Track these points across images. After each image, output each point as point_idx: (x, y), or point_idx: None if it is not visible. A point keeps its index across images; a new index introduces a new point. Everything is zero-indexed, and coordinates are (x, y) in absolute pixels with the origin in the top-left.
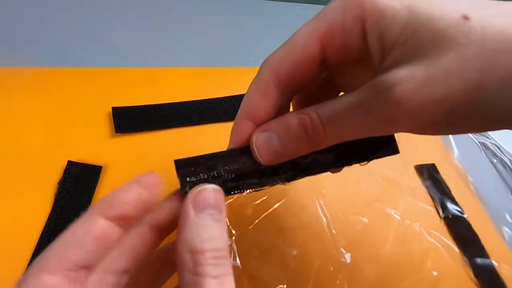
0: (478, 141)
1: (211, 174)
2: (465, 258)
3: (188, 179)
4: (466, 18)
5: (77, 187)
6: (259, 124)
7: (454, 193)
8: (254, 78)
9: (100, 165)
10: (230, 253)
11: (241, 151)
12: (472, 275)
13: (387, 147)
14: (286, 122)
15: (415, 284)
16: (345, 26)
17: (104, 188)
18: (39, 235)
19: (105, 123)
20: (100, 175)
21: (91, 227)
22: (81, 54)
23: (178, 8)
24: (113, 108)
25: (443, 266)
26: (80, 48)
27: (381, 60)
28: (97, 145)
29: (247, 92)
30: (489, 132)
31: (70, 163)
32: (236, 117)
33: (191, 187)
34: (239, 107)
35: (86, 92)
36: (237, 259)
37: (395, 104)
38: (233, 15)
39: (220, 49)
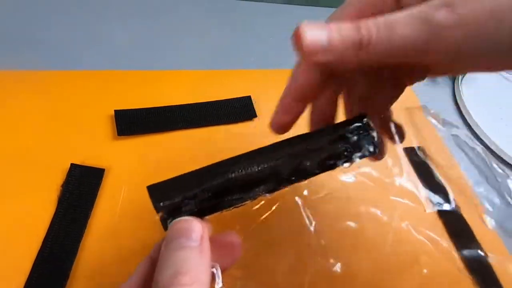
0: (450, 134)
1: (186, 195)
2: (456, 251)
3: (161, 203)
4: None
5: (80, 189)
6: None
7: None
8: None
9: (103, 167)
10: (213, 278)
11: (218, 165)
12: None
13: (370, 145)
14: (340, 23)
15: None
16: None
17: (106, 191)
18: (43, 237)
19: (107, 126)
20: (103, 178)
21: None
22: (83, 57)
23: (179, 11)
24: (115, 111)
25: (436, 264)
26: (82, 50)
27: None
28: (100, 147)
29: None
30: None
31: (73, 165)
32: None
33: (166, 212)
34: (240, 109)
35: (89, 95)
36: (220, 284)
37: (454, 13)
38: (233, 17)
39: (221, 51)
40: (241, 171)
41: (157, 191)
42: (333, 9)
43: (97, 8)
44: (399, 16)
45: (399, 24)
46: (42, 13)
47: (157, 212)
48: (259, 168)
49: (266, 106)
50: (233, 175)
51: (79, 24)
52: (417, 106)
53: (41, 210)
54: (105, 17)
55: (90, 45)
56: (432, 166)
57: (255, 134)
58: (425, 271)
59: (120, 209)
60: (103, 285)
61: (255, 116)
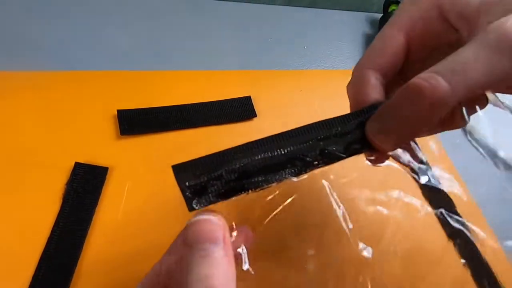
0: None
1: (212, 175)
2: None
3: (187, 183)
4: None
5: (85, 187)
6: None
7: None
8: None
9: (106, 166)
10: (239, 259)
11: (244, 147)
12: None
13: None
14: (393, 97)
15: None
16: (422, 15)
17: (110, 189)
18: (48, 234)
19: (110, 126)
20: (107, 176)
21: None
22: (86, 58)
23: (180, 13)
24: (118, 111)
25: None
26: (84, 51)
27: (469, 29)
28: (103, 147)
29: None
30: None
31: (77, 164)
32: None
33: (192, 192)
34: (240, 108)
35: (92, 95)
36: (247, 265)
37: None
38: (233, 19)
39: (221, 52)
40: (268, 153)
41: (182, 171)
42: (332, 11)
43: (98, 10)
44: (465, 56)
45: (471, 65)
46: (47, 14)
47: (183, 193)
48: (285, 151)
49: (266, 105)
50: (259, 156)
51: (81, 25)
52: None
53: (46, 208)
54: (108, 19)
55: (92, 46)
56: None
57: (255, 133)
58: (462, 261)
59: (123, 206)
60: (108, 281)
61: (255, 115)
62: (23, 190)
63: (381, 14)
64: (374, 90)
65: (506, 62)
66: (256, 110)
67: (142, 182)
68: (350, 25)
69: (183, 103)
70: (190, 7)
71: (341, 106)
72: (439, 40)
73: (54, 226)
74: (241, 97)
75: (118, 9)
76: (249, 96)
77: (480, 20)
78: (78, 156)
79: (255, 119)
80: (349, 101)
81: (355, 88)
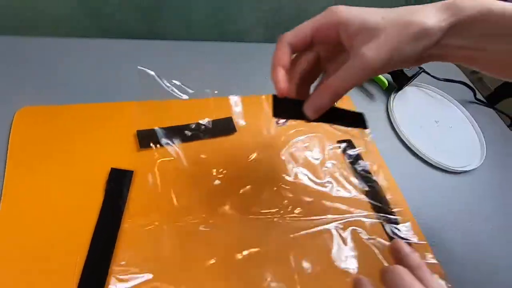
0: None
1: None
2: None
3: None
4: (382, 18)
5: (119, 184)
6: (284, 66)
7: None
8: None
9: (132, 170)
10: None
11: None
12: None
13: (362, 123)
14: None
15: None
16: (328, 24)
17: (136, 185)
18: (97, 218)
19: (133, 142)
20: (133, 177)
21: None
22: (109, 92)
23: (180, 55)
24: (137, 131)
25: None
26: (109, 87)
27: (350, 44)
28: (129, 157)
29: (274, 52)
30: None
31: (112, 169)
32: (272, 65)
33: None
34: (225, 126)
35: (118, 120)
36: None
37: (368, 58)
38: (220, 56)
39: (210, 83)
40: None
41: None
42: None
43: (109, 54)
44: (344, 69)
45: (346, 73)
46: (72, 59)
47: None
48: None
49: (243, 123)
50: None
51: (97, 67)
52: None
53: (93, 199)
54: (125, 61)
55: (120, 83)
56: None
57: (236, 144)
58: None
59: (148, 194)
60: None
61: (235, 131)
62: (78, 186)
63: None
64: (284, 55)
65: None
66: (236, 127)
67: (157, 179)
68: None
69: (184, 124)
70: (186, 50)
71: (302, 124)
72: (336, 44)
73: (101, 210)
74: (225, 117)
75: (125, 52)
76: (230, 117)
77: (353, 44)
78: (113, 163)
79: (236, 133)
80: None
81: (275, 52)
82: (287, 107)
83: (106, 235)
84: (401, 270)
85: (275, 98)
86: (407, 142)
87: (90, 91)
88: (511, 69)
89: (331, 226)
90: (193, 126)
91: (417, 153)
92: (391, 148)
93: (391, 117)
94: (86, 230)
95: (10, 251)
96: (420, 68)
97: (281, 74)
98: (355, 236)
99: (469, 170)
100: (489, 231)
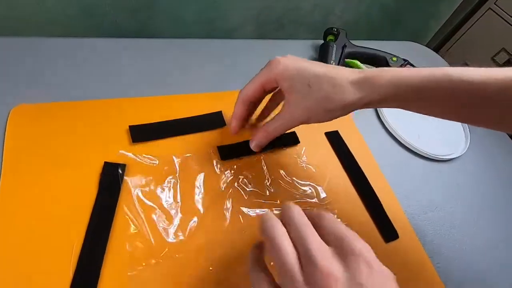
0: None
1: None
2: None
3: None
4: (308, 85)
5: (112, 176)
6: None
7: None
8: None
9: (125, 163)
10: None
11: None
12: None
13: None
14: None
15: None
16: (270, 79)
17: (128, 176)
18: (92, 205)
19: (125, 136)
20: (125, 169)
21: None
22: (102, 89)
23: (174, 53)
24: (130, 126)
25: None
26: (102, 85)
27: (286, 96)
28: (122, 150)
29: (235, 104)
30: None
31: (106, 163)
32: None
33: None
34: (214, 120)
35: (111, 116)
36: None
37: (294, 115)
38: (210, 52)
39: (201, 79)
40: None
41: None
42: (284, 41)
43: (110, 53)
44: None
45: (276, 123)
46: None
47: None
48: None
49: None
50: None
51: (97, 64)
52: None
53: (89, 189)
54: (117, 59)
55: (106, 80)
56: None
57: (225, 136)
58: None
59: (139, 185)
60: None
61: (225, 124)
62: (75, 180)
63: (322, 41)
64: (239, 110)
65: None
66: (225, 120)
67: (147, 170)
68: (299, 52)
69: (174, 118)
70: (180, 49)
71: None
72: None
73: (96, 198)
74: (215, 112)
75: (125, 51)
76: (220, 111)
77: (287, 98)
78: (106, 157)
79: (224, 127)
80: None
81: (234, 106)
82: (233, 150)
83: (101, 224)
84: (273, 219)
85: (221, 147)
86: (393, 133)
87: (84, 89)
88: (445, 116)
89: None
90: (184, 120)
91: (403, 142)
92: (378, 139)
93: (378, 110)
94: (82, 220)
95: (7, 240)
96: (405, 60)
97: (234, 123)
98: None
99: (453, 158)
100: (471, 214)
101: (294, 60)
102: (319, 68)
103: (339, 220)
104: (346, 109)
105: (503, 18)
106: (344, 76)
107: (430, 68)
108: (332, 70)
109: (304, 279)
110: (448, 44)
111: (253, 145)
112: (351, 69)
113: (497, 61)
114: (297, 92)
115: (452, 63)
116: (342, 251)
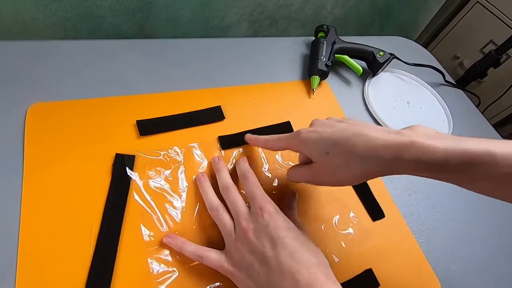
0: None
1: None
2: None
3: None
4: (327, 153)
5: (123, 166)
6: None
7: None
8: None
9: (134, 154)
10: None
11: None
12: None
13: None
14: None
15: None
16: (293, 146)
17: (138, 166)
18: (106, 192)
19: (133, 130)
20: (135, 160)
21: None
22: (107, 88)
23: (174, 54)
24: (137, 121)
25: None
26: (107, 84)
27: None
28: (131, 143)
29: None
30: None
31: (117, 154)
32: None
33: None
34: (214, 113)
35: (119, 112)
36: None
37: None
38: (208, 51)
39: (197, 76)
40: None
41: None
42: (277, 38)
43: (112, 54)
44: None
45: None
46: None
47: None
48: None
49: (230, 111)
50: None
51: (101, 66)
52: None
53: (103, 178)
54: (119, 59)
55: (115, 79)
56: None
57: (224, 128)
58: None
59: (147, 174)
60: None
61: (224, 118)
62: (89, 169)
63: (313, 38)
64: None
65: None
66: (224, 114)
67: (155, 160)
68: (291, 48)
69: (177, 113)
70: (182, 49)
71: (285, 107)
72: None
73: (110, 186)
74: (215, 106)
75: (126, 54)
76: (219, 106)
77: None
78: (117, 149)
79: (224, 120)
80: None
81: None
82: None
83: (115, 208)
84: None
85: (221, 137)
86: (380, 123)
87: (90, 88)
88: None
89: None
90: (186, 114)
91: None
92: None
93: (366, 101)
94: (98, 205)
95: (32, 229)
96: (391, 54)
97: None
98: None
99: None
100: (452, 194)
101: (320, 131)
102: (340, 134)
103: (257, 183)
104: (363, 178)
105: (490, 11)
106: (369, 143)
107: (464, 141)
108: (353, 138)
109: (235, 237)
110: (438, 38)
111: (248, 137)
112: (381, 135)
113: (486, 52)
114: (316, 159)
115: (441, 57)
116: (254, 208)
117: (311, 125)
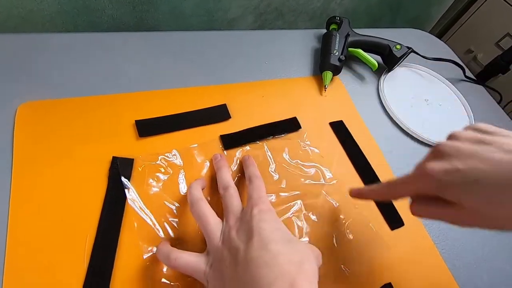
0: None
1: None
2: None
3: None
4: (491, 202)
5: (120, 170)
6: None
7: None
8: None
9: (132, 157)
10: None
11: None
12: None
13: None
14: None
15: None
16: (424, 190)
17: (136, 171)
18: (103, 197)
19: (132, 131)
20: (133, 164)
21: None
22: (105, 84)
23: (178, 47)
24: (136, 121)
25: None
26: (105, 79)
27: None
28: (129, 145)
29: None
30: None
31: (114, 157)
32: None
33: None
34: (219, 112)
35: (117, 111)
36: None
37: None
38: (212, 44)
39: (203, 71)
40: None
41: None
42: (285, 31)
43: (113, 51)
44: None
45: None
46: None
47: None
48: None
49: (237, 109)
50: None
51: (101, 62)
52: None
53: (98, 183)
54: (119, 53)
55: (112, 77)
56: None
57: (230, 129)
58: None
59: (146, 180)
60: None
61: (230, 117)
62: (85, 174)
63: (324, 30)
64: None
65: None
66: (230, 113)
67: (154, 164)
68: (301, 41)
69: (179, 112)
70: (185, 42)
71: (295, 105)
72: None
73: (106, 192)
74: (220, 105)
75: (127, 50)
76: (225, 104)
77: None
78: (114, 152)
79: (230, 119)
80: None
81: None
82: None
83: (112, 218)
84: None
85: (224, 136)
86: (397, 121)
87: (87, 84)
88: None
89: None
90: (189, 114)
91: (407, 131)
92: (382, 128)
93: (381, 98)
94: (94, 212)
95: (21, 233)
96: (409, 48)
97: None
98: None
99: None
100: None
101: (464, 168)
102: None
103: (260, 187)
104: None
105: (507, 2)
106: None
107: None
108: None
109: (221, 237)
110: (450, 31)
111: (353, 193)
112: None
113: (502, 46)
114: (471, 206)
115: (456, 50)
116: (246, 207)
117: (441, 148)
